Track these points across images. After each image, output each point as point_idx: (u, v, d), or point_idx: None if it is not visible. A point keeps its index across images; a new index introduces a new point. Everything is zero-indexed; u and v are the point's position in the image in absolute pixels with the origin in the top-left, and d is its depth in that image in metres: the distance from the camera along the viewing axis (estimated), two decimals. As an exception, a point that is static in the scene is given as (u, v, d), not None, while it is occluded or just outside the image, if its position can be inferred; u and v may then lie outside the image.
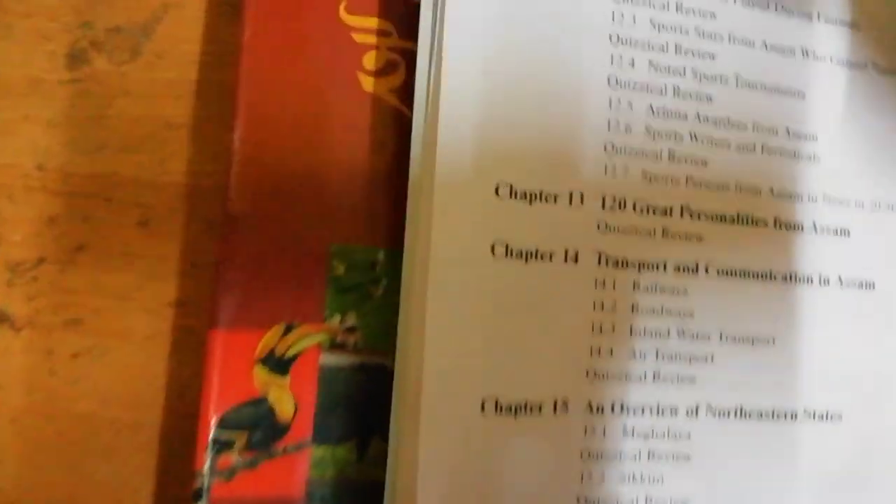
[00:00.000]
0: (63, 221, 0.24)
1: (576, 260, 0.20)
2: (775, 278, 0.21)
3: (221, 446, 0.20)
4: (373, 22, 0.22)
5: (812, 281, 0.22)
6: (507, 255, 0.19)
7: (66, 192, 0.24)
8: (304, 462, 0.20)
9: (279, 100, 0.22)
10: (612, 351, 0.20)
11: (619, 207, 0.20)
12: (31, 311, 0.23)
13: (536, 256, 0.19)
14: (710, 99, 0.21)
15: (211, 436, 0.20)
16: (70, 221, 0.24)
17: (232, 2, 0.25)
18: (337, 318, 0.21)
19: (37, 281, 0.23)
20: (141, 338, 0.23)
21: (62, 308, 0.23)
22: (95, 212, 0.24)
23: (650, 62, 0.21)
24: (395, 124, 0.22)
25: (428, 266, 0.19)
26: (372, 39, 0.22)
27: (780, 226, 0.22)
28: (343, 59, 0.22)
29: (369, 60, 0.22)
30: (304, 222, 0.21)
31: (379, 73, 0.22)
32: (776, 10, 0.22)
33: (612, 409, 0.20)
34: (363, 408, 0.21)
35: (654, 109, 0.21)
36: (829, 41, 0.22)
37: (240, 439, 0.20)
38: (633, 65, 0.20)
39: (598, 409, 0.20)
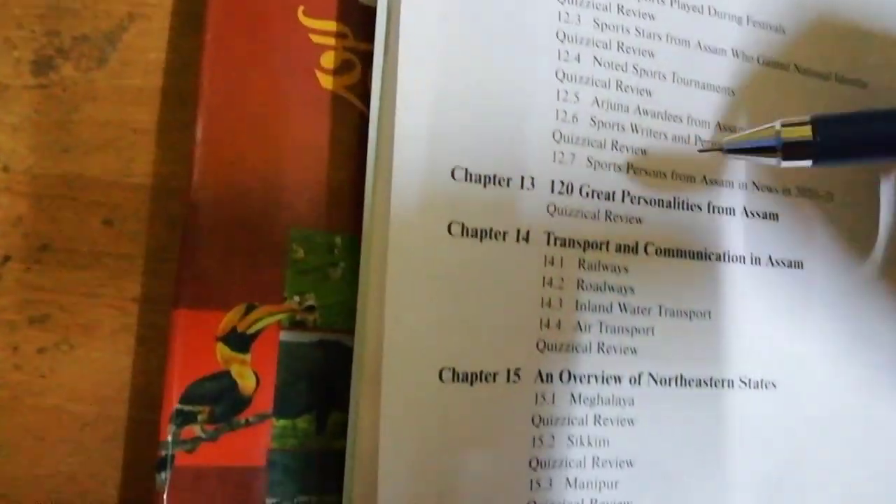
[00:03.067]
0: (29, 221, 0.24)
1: (527, 239, 0.21)
2: (710, 258, 0.23)
3: (185, 418, 0.21)
4: (330, 25, 0.23)
5: (745, 260, 0.24)
6: (463, 234, 0.20)
7: (32, 193, 0.24)
8: (266, 433, 0.21)
9: (241, 93, 0.22)
10: (559, 323, 0.21)
11: (567, 192, 0.22)
12: (-5, 308, 0.23)
13: (491, 235, 0.21)
14: (649, 93, 0.23)
15: (174, 408, 0.21)
16: (36, 221, 0.24)
17: (195, 13, 0.25)
18: (296, 299, 0.22)
19: (2, 279, 0.23)
20: (107, 333, 0.23)
21: (28, 305, 0.23)
22: (61, 212, 0.24)
23: (594, 58, 0.22)
24: (352, 118, 0.23)
25: (387, 245, 0.20)
26: (329, 41, 0.23)
27: (714, 210, 0.23)
28: (302, 58, 0.23)
29: (327, 60, 0.23)
30: (265, 209, 0.22)
31: (336, 71, 0.23)
32: (710, 13, 0.24)
33: (561, 377, 0.21)
34: (322, 382, 0.22)
35: (599, 101, 0.22)
36: (758, 43, 0.24)
37: (203, 412, 0.21)
38: (578, 59, 0.22)
39: (547, 377, 0.21)
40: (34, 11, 0.25)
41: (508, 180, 0.21)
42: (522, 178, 0.21)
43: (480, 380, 0.20)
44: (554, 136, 0.21)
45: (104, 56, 0.25)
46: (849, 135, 0.20)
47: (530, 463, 0.21)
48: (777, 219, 0.24)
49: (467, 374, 0.20)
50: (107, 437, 0.23)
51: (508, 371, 0.21)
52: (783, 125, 0.20)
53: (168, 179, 0.24)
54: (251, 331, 0.21)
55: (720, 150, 0.21)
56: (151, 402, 0.23)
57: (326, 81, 0.23)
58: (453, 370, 0.20)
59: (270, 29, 0.23)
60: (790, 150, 0.20)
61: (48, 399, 0.23)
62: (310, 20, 0.23)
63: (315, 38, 0.23)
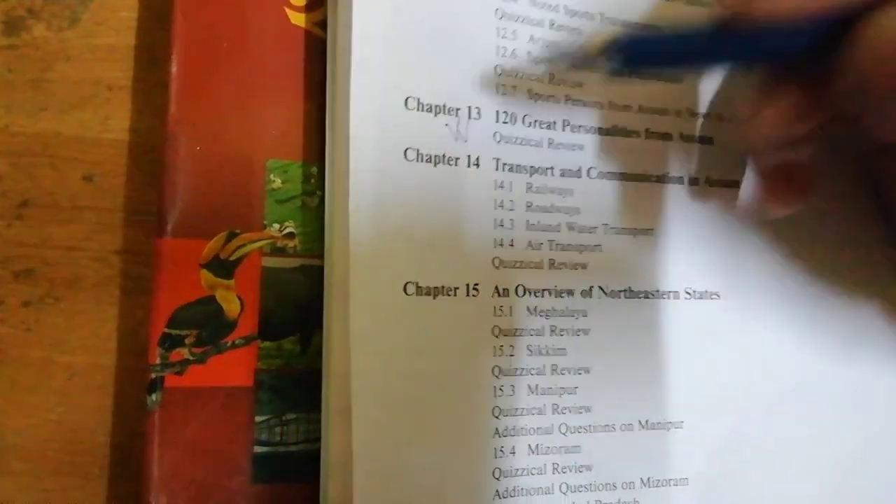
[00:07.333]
0: (8, 179, 0.25)
1: (478, 164, 0.23)
2: (650, 179, 0.25)
3: (173, 341, 0.22)
4: (298, -37, 0.25)
5: (683, 181, 0.26)
6: (418, 159, 0.22)
7: (10, 150, 0.25)
8: (253, 355, 0.23)
9: (213, 33, 0.24)
10: (512, 242, 0.23)
11: (511, 121, 0.24)
12: (-21, 264, 0.24)
13: (444, 161, 0.23)
14: (580, 32, 0.25)
15: (162, 332, 0.22)
16: (15, 179, 0.25)
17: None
18: (276, 227, 0.23)
19: (-16, 236, 0.24)
20: (90, 285, 0.24)
21: (11, 260, 0.24)
22: (40, 169, 0.25)
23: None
24: (323, 52, 0.24)
25: (348, 171, 0.22)
26: (298, -22, 0.25)
27: (651, 136, 0.25)
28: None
29: (296, -3, 0.25)
30: (242, 141, 0.23)
31: (305, 8, 0.25)
32: None
33: (517, 291, 0.23)
34: (304, 304, 0.23)
35: (535, 38, 0.24)
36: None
37: (190, 335, 0.22)
38: (515, 0, 0.24)
39: (504, 291, 0.23)
40: (2, -28, 0.25)
41: (457, 110, 0.23)
42: (469, 108, 0.23)
43: (442, 293, 0.22)
44: (496, 70, 0.24)
45: (76, 15, 0.26)
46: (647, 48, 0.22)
47: (493, 371, 0.23)
48: (711, 142, 0.26)
49: (430, 289, 0.22)
50: (95, 385, 0.24)
51: (468, 286, 0.23)
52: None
53: (145, 134, 0.25)
54: (233, 257, 0.23)
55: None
56: (138, 350, 0.23)
57: (297, 18, 0.25)
58: (416, 284, 0.22)
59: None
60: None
61: (35, 351, 0.24)
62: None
63: (283, -22, 0.24)
